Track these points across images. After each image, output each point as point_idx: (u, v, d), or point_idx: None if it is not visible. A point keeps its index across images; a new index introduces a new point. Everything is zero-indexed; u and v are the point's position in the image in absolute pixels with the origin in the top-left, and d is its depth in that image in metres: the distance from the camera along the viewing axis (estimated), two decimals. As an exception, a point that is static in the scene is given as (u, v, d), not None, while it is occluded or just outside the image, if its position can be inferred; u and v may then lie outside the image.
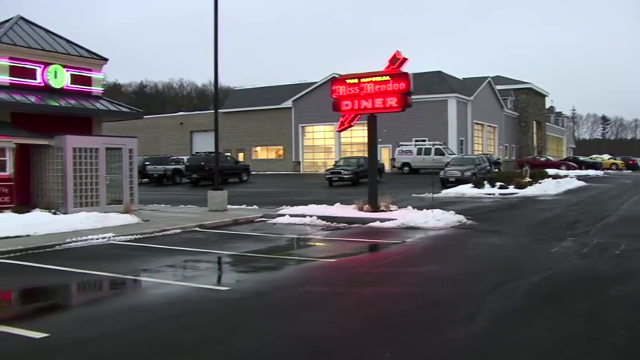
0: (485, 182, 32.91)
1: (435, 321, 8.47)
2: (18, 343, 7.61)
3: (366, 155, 25.29)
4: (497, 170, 46.83)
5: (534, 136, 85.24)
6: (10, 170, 20.88)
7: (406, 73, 21.77)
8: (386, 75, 21.97)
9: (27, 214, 19.49)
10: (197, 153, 53.65)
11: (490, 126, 69.66)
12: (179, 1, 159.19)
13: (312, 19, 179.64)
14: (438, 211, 20.49)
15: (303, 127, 66.60)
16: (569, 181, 37.64)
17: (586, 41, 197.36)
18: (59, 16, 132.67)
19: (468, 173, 36.98)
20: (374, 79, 22.17)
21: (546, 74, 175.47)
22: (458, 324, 8.18)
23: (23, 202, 21.16)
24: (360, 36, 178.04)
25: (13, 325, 8.27)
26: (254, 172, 54.73)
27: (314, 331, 8.09)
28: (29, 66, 22.46)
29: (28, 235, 16.98)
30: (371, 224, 19.86)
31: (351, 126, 23.69)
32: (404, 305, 9.47)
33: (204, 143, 67.31)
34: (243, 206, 25.93)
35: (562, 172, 46.45)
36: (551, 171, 44.13)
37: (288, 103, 66.94)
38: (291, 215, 21.81)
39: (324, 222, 20.61)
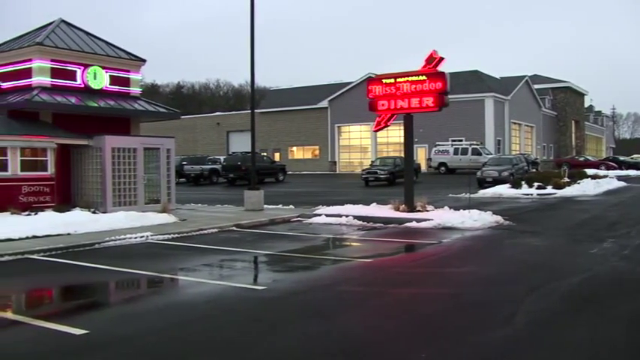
0: (523, 182, 32.56)
1: (471, 322, 8.41)
2: (59, 340, 7.74)
3: (403, 155, 25.20)
4: (534, 170, 46.31)
5: (573, 135, 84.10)
6: (51, 170, 21.25)
7: (443, 73, 21.64)
8: (422, 74, 21.85)
9: (67, 212, 19.82)
10: (234, 153, 53.93)
11: (528, 125, 68.95)
12: (216, 3, 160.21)
13: (349, 18, 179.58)
14: (474, 212, 20.34)
15: (339, 127, 66.58)
16: (608, 181, 37.04)
17: (626, 39, 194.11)
18: (100, 19, 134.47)
19: (506, 173, 36.63)
20: (410, 78, 22.05)
21: (585, 73, 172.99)
22: (495, 326, 8.13)
23: (64, 201, 21.51)
24: (396, 36, 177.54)
25: (55, 322, 8.42)
26: (290, 172, 54.88)
27: (350, 332, 8.08)
28: (70, 68, 22.85)
29: (68, 234, 17.26)
30: (407, 224, 19.79)
31: (387, 126, 23.62)
32: (440, 306, 9.43)
33: (240, 143, 67.63)
34: (280, 206, 26.02)
35: (601, 173, 45.67)
36: (590, 171, 43.45)
37: (324, 103, 66.99)
38: (327, 215, 21.83)
39: (361, 222, 20.59)
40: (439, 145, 54.46)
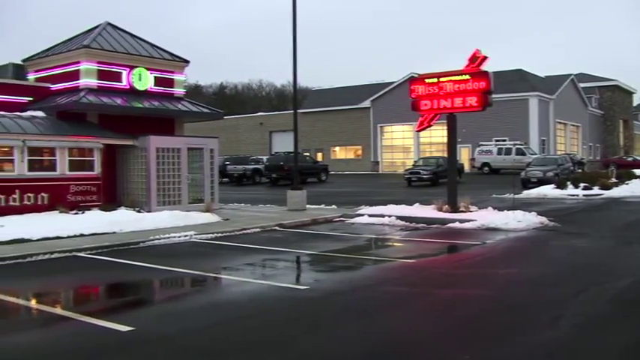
0: (569, 183, 32.06)
1: (515, 324, 8.32)
2: (106, 336, 7.88)
3: (446, 155, 25.04)
4: (580, 171, 45.52)
5: (621, 135, 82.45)
6: (97, 170, 21.64)
7: (486, 72, 21.45)
8: (465, 74, 21.69)
9: (113, 212, 20.17)
10: (276, 153, 54.14)
11: (573, 125, 67.86)
12: (259, 5, 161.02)
13: (392, 17, 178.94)
14: (519, 212, 20.10)
15: (381, 127, 66.38)
16: (658, 181, 36.20)
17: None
18: (145, 21, 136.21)
19: (551, 174, 36.09)
20: (453, 78, 21.90)
21: (634, 71, 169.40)
22: (539, 328, 8.03)
23: (109, 201, 21.88)
24: (439, 35, 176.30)
25: (101, 318, 8.57)
26: (332, 172, 54.85)
27: (392, 332, 8.07)
28: (115, 69, 23.26)
29: (114, 232, 17.54)
30: (450, 225, 19.67)
31: (430, 126, 23.50)
32: (483, 307, 9.34)
33: (283, 143, 67.87)
34: (322, 206, 26.06)
35: (651, 173, 44.68)
36: (639, 171, 42.60)
37: (367, 103, 66.85)
38: (369, 215, 21.80)
39: (403, 222, 20.51)
40: (482, 145, 53.93)
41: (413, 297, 10.16)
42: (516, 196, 27.39)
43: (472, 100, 21.51)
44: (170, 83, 25.20)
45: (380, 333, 8.00)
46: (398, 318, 8.79)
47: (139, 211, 20.87)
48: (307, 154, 57.93)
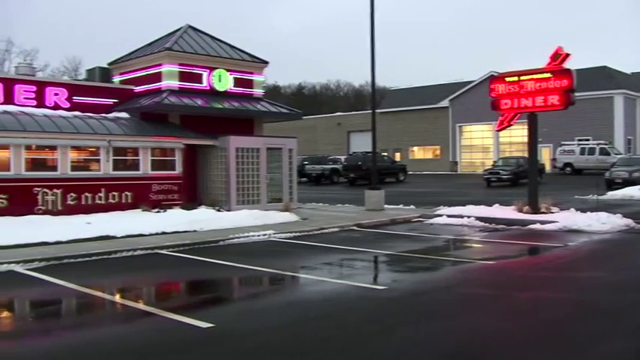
0: (657, 184, 30.90)
1: (598, 331, 8.05)
2: (187, 332, 8.05)
3: (526, 155, 24.56)
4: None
5: None
6: (179, 169, 22.13)
7: (569, 70, 20.92)
8: (547, 72, 21.21)
9: (193, 210, 20.60)
10: (354, 153, 54.12)
11: (663, 124, 65.39)
12: (338, 6, 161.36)
13: (470, 16, 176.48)
14: (603, 214, 19.52)
15: (460, 126, 65.57)
16: None
17: None
18: (226, 23, 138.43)
19: (637, 174, 34.82)
20: (534, 76, 21.46)
21: None
22: (622, 336, 7.77)
23: (190, 200, 22.34)
24: (518, 33, 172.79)
25: (182, 314, 8.77)
26: (411, 172, 54.51)
27: (469, 335, 7.95)
28: (196, 71, 23.76)
29: (194, 231, 17.89)
30: (531, 226, 19.28)
31: (510, 125, 23.08)
32: (565, 312, 9.09)
33: (361, 143, 67.86)
34: (400, 206, 25.93)
35: None
36: None
37: (445, 103, 66.14)
38: (448, 216, 21.58)
39: (482, 223, 20.22)
40: (564, 144, 52.55)
41: (492, 299, 9.98)
42: (600, 197, 26.60)
43: (554, 99, 21.03)
44: (249, 84, 25.56)
45: (457, 335, 7.90)
46: (476, 321, 8.66)
47: (218, 210, 21.23)
48: (385, 154, 57.68)
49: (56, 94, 22.29)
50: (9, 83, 21.57)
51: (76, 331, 8.52)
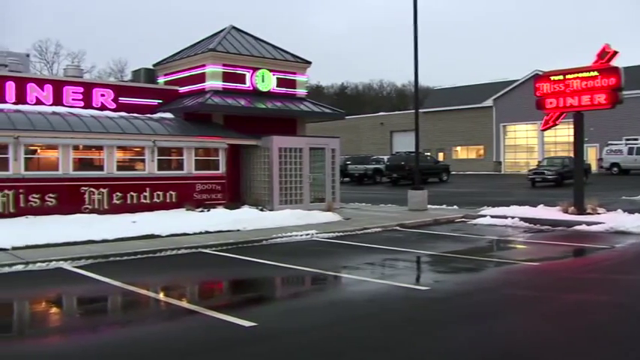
0: None
1: (646, 333, 7.90)
2: (230, 330, 8.10)
3: (572, 155, 24.19)
4: None
5: None
6: (222, 169, 22.31)
7: (616, 68, 20.56)
8: (594, 70, 20.87)
9: (236, 210, 20.76)
10: (397, 153, 53.96)
11: None
12: (381, 6, 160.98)
13: (513, 14, 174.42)
14: (652, 215, 19.14)
15: (504, 126, 64.87)
16: None
17: None
18: (269, 22, 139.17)
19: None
20: (580, 74, 21.15)
21: None
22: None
23: (233, 199, 22.52)
24: (564, 31, 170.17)
25: (225, 313, 8.82)
26: (454, 172, 54.15)
27: (512, 337, 7.84)
28: (239, 71, 23.95)
29: (237, 230, 18.02)
30: (576, 227, 18.98)
31: (555, 125, 22.78)
32: (611, 315, 8.90)
33: (404, 143, 67.58)
34: (443, 206, 25.77)
35: None
36: None
37: (489, 102, 65.51)
38: (492, 216, 21.36)
39: (527, 224, 19.97)
40: (611, 144, 51.61)
41: (536, 301, 9.83)
42: (649, 197, 26.08)
43: (600, 98, 20.70)
44: (292, 84, 25.66)
45: (500, 338, 7.80)
46: (520, 323, 8.55)
47: (261, 210, 21.36)
48: (428, 153, 57.45)
49: (103, 95, 22.71)
50: (58, 85, 22.06)
51: (122, 328, 8.65)
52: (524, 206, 23.04)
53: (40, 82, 21.92)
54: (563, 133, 53.42)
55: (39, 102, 21.34)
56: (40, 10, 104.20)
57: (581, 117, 21.88)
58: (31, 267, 12.74)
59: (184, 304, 9.95)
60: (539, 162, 47.63)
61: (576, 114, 21.78)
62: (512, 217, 20.62)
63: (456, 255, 14.46)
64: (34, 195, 18.67)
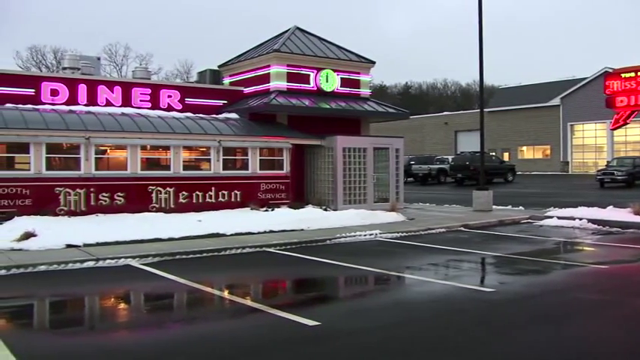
0: None
1: None
2: (293, 329, 8.17)
3: (644, 155, 23.53)
4: None
5: None
6: (286, 169, 22.47)
7: (691, 65, 19.94)
8: (668, 67, 20.30)
9: (300, 209, 20.87)
10: (462, 152, 53.39)
11: None
12: (445, 4, 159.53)
13: (580, 11, 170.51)
14: None
15: (572, 125, 63.45)
16: None
17: None
18: (333, 24, 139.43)
19: None
20: (653, 72, 20.60)
21: None
22: None
23: (297, 199, 22.65)
24: (635, 26, 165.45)
25: (289, 312, 8.89)
26: (519, 172, 53.29)
27: (580, 342, 7.68)
28: (303, 72, 24.08)
29: (301, 229, 18.13)
30: (648, 229, 18.48)
31: (626, 124, 22.23)
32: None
33: (468, 143, 66.81)
34: (509, 207, 25.41)
35: None
36: None
37: (556, 101, 64.16)
38: (558, 217, 20.95)
39: (595, 226, 19.54)
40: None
41: (606, 305, 9.61)
42: None
43: (675, 96, 20.08)
44: (356, 84, 25.67)
45: (568, 342, 7.63)
46: (588, 327, 8.36)
47: (325, 210, 21.43)
48: (493, 153, 56.66)
49: (169, 96, 23.16)
50: (127, 87, 22.59)
51: (187, 325, 8.80)
52: (592, 207, 22.51)
53: (110, 85, 22.49)
54: (635, 132, 52.07)
55: (109, 103, 21.90)
56: (110, 13, 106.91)
57: (654, 116, 21.30)
58: (101, 263, 13.12)
59: (249, 302, 10.07)
60: (609, 162, 46.49)
61: (648, 113, 21.21)
62: (580, 219, 20.18)
63: (522, 257, 14.24)
64: (104, 194, 19.15)
